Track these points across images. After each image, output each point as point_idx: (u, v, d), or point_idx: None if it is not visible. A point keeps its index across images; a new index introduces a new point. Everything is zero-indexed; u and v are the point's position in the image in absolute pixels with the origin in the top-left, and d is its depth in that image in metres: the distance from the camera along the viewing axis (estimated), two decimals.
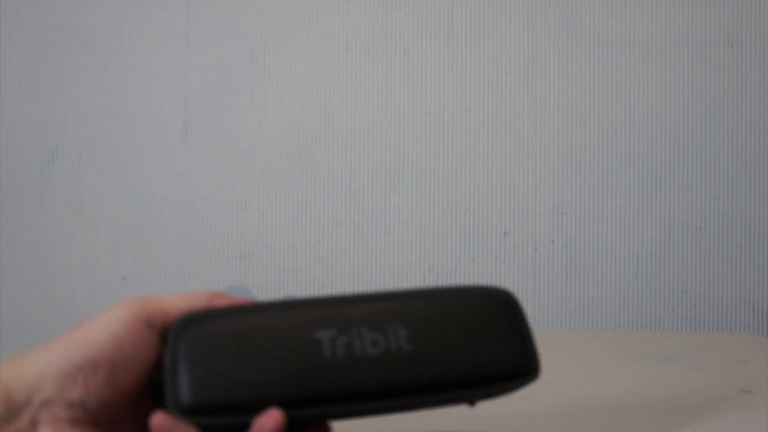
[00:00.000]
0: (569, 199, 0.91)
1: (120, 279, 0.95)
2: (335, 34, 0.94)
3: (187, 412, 0.30)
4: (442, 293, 0.34)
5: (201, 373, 0.30)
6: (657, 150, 0.90)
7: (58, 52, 0.96)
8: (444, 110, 0.93)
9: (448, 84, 0.93)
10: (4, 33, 0.96)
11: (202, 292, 0.33)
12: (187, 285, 0.94)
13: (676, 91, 0.90)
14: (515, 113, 0.92)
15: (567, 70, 0.91)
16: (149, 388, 0.32)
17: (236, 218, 0.94)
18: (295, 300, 0.33)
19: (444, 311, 0.33)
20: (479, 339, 0.33)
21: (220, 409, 0.30)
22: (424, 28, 0.93)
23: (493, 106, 0.92)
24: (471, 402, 0.34)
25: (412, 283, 0.92)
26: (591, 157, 0.91)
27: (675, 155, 0.90)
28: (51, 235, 0.95)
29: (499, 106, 0.92)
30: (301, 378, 0.31)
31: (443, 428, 0.42)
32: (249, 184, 0.94)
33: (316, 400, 0.31)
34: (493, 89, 0.92)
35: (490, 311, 0.34)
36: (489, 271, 0.91)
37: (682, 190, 0.90)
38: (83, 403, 0.29)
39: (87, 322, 0.31)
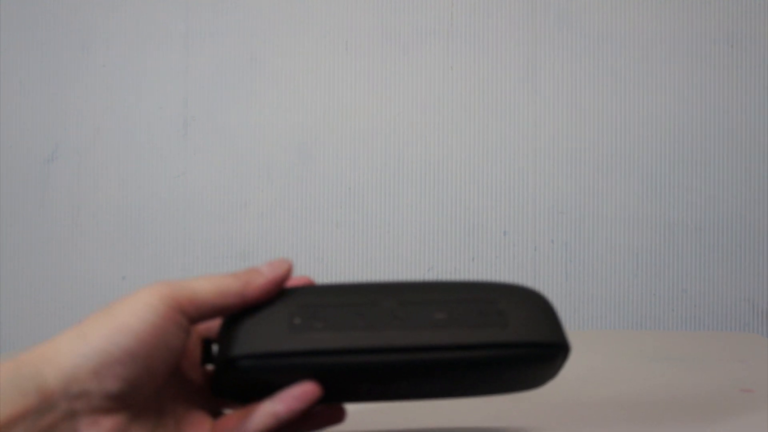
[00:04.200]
0: (569, 198, 0.91)
1: (120, 279, 0.95)
2: (334, 34, 0.94)
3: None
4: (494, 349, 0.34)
5: (246, 394, 0.32)
6: (657, 149, 0.91)
7: (58, 52, 0.96)
8: (443, 109, 0.93)
9: (447, 83, 0.93)
10: (4, 33, 0.96)
11: (231, 280, 0.32)
12: None
13: (675, 90, 0.90)
14: (515, 112, 0.92)
15: (566, 70, 0.91)
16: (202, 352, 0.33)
17: (236, 218, 0.94)
18: (341, 348, 0.33)
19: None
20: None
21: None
22: (424, 28, 0.93)
23: (493, 105, 0.92)
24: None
25: None
26: (591, 157, 0.91)
27: (675, 154, 0.90)
28: (51, 235, 0.95)
29: (499, 105, 0.92)
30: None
31: (449, 424, 0.42)
32: (249, 184, 0.94)
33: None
34: (493, 88, 0.92)
35: (533, 363, 0.35)
36: (489, 270, 0.92)
37: (681, 190, 0.90)
38: (121, 393, 0.29)
39: (117, 308, 0.30)
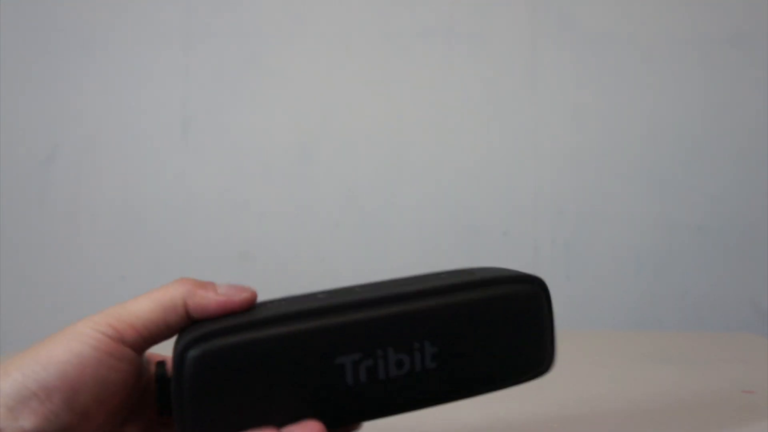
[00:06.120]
0: (569, 198, 0.91)
1: (119, 279, 0.94)
2: (335, 33, 0.94)
3: None
4: (471, 290, 0.32)
5: (214, 411, 0.28)
6: (658, 149, 0.90)
7: (57, 52, 0.96)
8: (444, 109, 0.92)
9: (448, 83, 0.92)
10: (4, 33, 0.96)
11: (173, 293, 0.29)
12: None
13: (676, 90, 0.90)
14: (515, 112, 0.92)
15: (567, 69, 0.91)
16: (157, 404, 0.30)
17: (236, 218, 0.94)
18: (306, 309, 0.29)
19: (472, 318, 0.31)
20: (503, 345, 0.33)
21: None
22: (424, 28, 0.93)
23: (493, 105, 0.92)
24: None
25: None
26: (591, 156, 0.91)
27: (677, 154, 0.90)
28: (50, 235, 0.95)
29: (499, 104, 0.92)
30: (322, 407, 0.29)
31: (440, 428, 0.42)
32: (249, 184, 0.94)
33: (337, 424, 0.30)
34: (494, 88, 0.92)
35: (519, 312, 0.33)
36: None
37: (683, 190, 0.90)
38: (37, 430, 0.27)
39: (48, 339, 0.28)
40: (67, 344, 0.27)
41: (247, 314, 0.29)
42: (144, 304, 0.29)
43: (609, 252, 0.90)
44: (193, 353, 0.27)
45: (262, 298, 0.33)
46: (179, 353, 0.28)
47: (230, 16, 0.94)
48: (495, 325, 0.32)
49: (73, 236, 0.95)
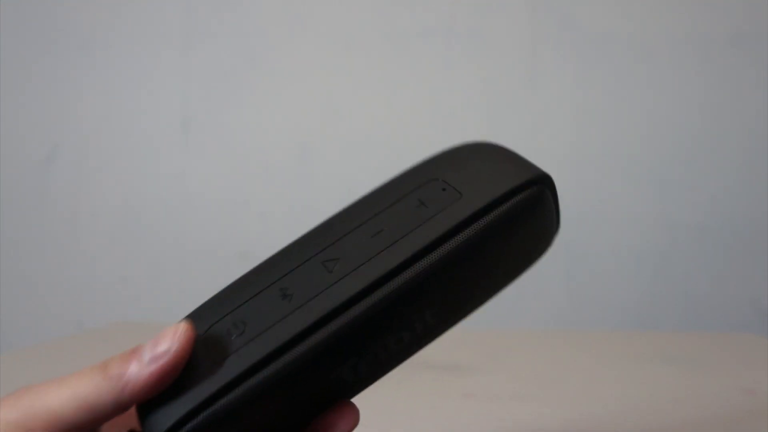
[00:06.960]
0: (569, 198, 0.91)
1: (119, 279, 0.94)
2: (335, 33, 0.94)
3: None
4: (463, 229, 0.25)
5: None
6: (659, 149, 0.90)
7: (57, 52, 0.96)
8: (444, 109, 0.92)
9: (448, 83, 0.92)
10: (4, 33, 0.96)
11: (98, 392, 0.23)
12: (186, 285, 0.93)
13: (676, 90, 0.90)
14: (515, 112, 0.92)
15: (567, 69, 0.91)
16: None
17: (236, 218, 0.94)
18: (277, 347, 0.24)
19: (469, 257, 0.25)
20: (509, 256, 0.27)
21: None
22: (424, 28, 0.93)
23: (494, 105, 0.92)
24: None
25: None
26: (591, 156, 0.91)
27: (677, 154, 0.90)
28: (50, 235, 0.95)
29: (499, 105, 0.92)
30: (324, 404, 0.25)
31: (442, 428, 0.41)
32: (249, 184, 0.94)
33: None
34: (493, 88, 0.92)
35: (525, 220, 0.27)
36: None
37: (683, 190, 0.90)
38: None
39: None
40: None
41: (204, 362, 0.24)
42: (65, 399, 0.23)
43: (609, 252, 0.90)
44: None
45: None
46: None
47: (230, 16, 0.94)
48: (499, 247, 0.26)
49: (73, 236, 0.95)
